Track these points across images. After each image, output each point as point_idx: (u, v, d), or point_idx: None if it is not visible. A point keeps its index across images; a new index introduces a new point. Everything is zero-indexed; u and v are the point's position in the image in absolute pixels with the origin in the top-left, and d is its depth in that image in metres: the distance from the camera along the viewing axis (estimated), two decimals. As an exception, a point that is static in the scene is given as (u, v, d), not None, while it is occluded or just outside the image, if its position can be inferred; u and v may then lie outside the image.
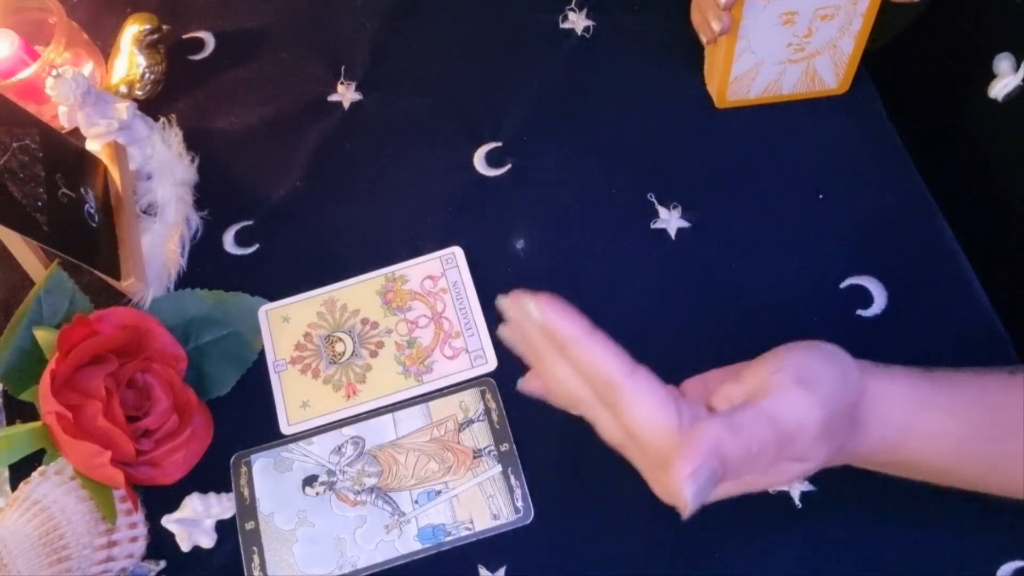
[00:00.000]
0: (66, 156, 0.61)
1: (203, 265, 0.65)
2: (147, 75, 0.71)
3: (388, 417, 0.58)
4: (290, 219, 0.66)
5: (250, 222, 0.66)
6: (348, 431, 0.57)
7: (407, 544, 0.53)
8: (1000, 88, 0.58)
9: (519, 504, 0.54)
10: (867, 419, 0.42)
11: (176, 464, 0.55)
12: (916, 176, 0.61)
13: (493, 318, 0.60)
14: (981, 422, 0.43)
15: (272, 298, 0.62)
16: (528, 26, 0.72)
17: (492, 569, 0.53)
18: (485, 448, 0.56)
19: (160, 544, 0.56)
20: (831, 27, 0.58)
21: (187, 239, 0.65)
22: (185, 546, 0.55)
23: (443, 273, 0.62)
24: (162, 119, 0.68)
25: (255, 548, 0.54)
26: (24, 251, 0.60)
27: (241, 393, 0.59)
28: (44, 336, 0.55)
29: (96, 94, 0.64)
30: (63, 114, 0.66)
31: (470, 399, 0.57)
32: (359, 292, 0.62)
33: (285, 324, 0.62)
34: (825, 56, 0.60)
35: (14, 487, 0.55)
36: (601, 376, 0.38)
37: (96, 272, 0.59)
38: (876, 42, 0.60)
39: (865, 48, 0.60)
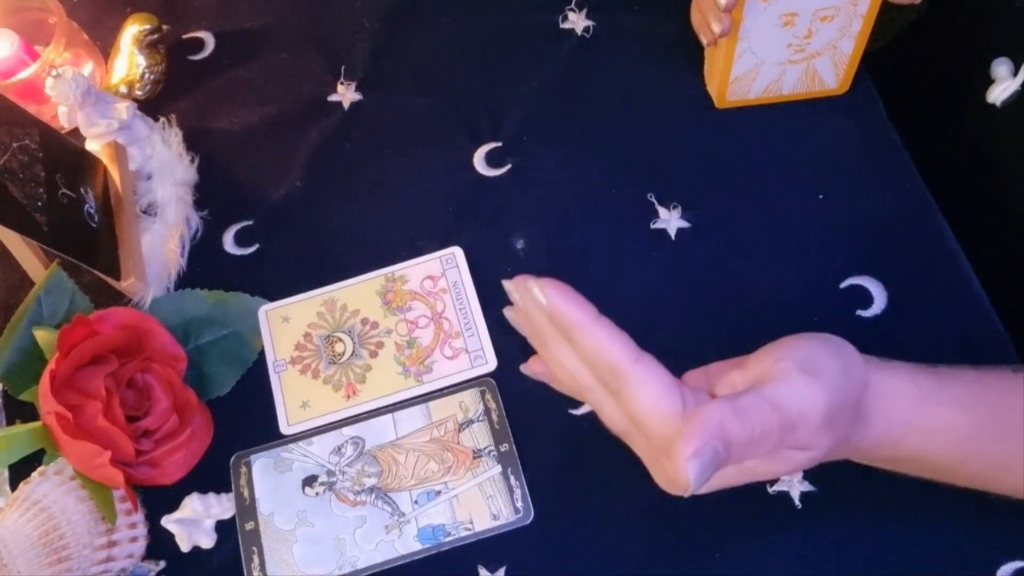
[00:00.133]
0: (66, 156, 0.61)
1: (203, 265, 0.65)
2: (147, 75, 0.71)
3: (388, 417, 0.58)
4: (290, 219, 0.66)
5: (250, 222, 0.66)
6: (348, 431, 0.57)
7: (407, 544, 0.53)
8: (999, 93, 0.58)
9: (519, 504, 0.54)
10: (871, 412, 0.42)
11: (176, 464, 0.55)
12: (916, 176, 0.61)
13: (493, 318, 0.60)
14: (984, 419, 0.43)
15: (272, 298, 0.62)
16: (528, 26, 0.72)
17: (492, 569, 0.53)
18: (485, 448, 0.56)
19: (160, 544, 0.56)
20: (831, 28, 0.58)
21: (187, 239, 0.65)
22: (185, 546, 0.55)
23: (443, 273, 0.62)
24: (162, 119, 0.68)
25: (255, 548, 0.54)
26: (24, 251, 0.60)
27: (241, 393, 0.59)
28: (44, 336, 0.55)
29: (96, 94, 0.64)
30: (63, 114, 0.66)
31: (470, 399, 0.57)
32: (359, 292, 0.62)
33: (285, 324, 0.61)
34: (825, 57, 0.60)
35: (14, 487, 0.55)
36: (606, 362, 0.38)
37: (96, 272, 0.59)
38: (876, 43, 0.60)
39: (865, 49, 0.60)
